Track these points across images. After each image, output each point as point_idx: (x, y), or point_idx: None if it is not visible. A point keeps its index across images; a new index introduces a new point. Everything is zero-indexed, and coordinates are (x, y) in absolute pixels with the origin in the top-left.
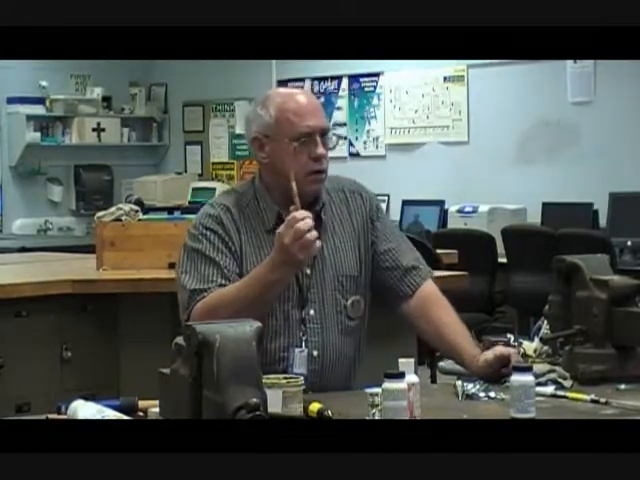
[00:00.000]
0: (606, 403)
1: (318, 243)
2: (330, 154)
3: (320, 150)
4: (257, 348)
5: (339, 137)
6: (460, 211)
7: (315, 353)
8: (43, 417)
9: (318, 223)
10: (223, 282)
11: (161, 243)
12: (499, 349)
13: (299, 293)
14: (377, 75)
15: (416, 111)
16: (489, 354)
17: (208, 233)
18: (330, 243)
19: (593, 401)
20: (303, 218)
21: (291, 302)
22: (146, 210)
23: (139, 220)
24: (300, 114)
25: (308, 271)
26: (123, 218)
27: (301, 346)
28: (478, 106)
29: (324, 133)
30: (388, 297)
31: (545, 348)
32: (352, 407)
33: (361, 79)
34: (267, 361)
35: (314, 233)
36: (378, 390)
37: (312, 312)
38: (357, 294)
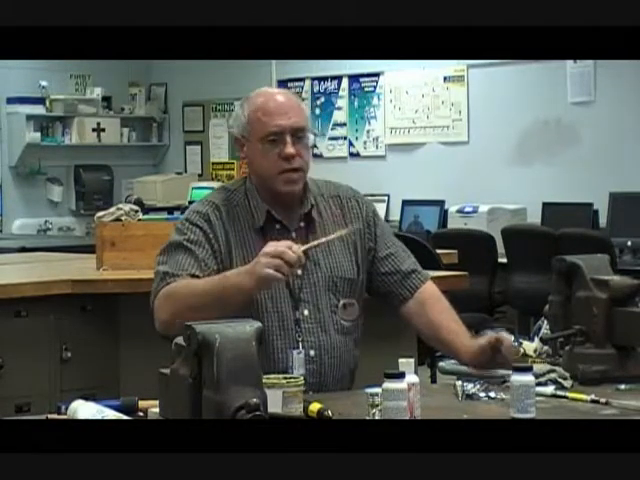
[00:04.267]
0: (606, 403)
1: (282, 277)
2: (330, 154)
3: (289, 149)
4: (257, 348)
5: (315, 134)
6: (460, 211)
7: (312, 353)
8: (43, 417)
9: (307, 224)
10: (197, 273)
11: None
12: (491, 334)
13: (289, 294)
14: (377, 75)
15: (416, 111)
16: (481, 340)
17: (193, 228)
18: (324, 245)
19: (593, 401)
20: (291, 248)
21: (284, 303)
22: (146, 210)
23: (139, 220)
24: (270, 113)
25: (299, 272)
26: (123, 218)
27: (298, 347)
28: (478, 106)
29: (295, 132)
30: (388, 301)
31: (545, 348)
32: (352, 407)
33: (361, 79)
34: (264, 364)
35: (289, 267)
36: (378, 390)
37: (306, 312)
38: (351, 297)
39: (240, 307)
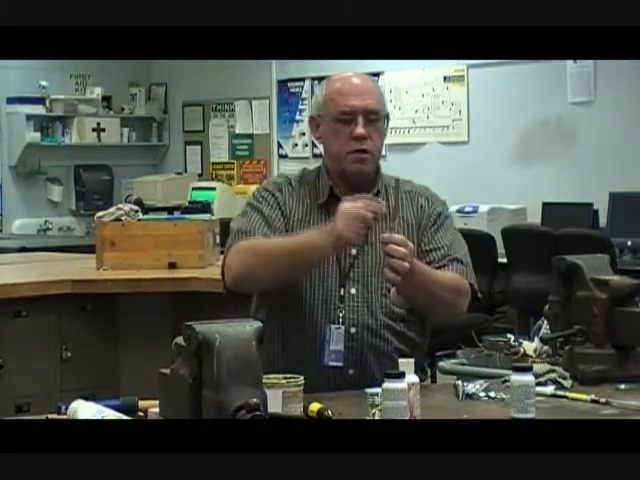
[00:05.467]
0: (606, 403)
1: (358, 237)
2: None
3: (359, 130)
4: (257, 348)
5: (388, 118)
6: (460, 211)
7: (352, 330)
8: (43, 417)
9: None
10: (268, 233)
11: (161, 243)
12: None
13: (338, 271)
14: (377, 75)
15: (416, 111)
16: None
17: (266, 194)
18: (385, 227)
19: (593, 401)
20: (368, 208)
21: (330, 278)
22: (146, 210)
23: (139, 220)
24: (344, 94)
25: (354, 251)
26: (123, 218)
27: (338, 323)
28: (478, 106)
29: (368, 114)
30: None
31: (545, 348)
32: (352, 407)
33: None
34: (304, 335)
35: (366, 227)
36: (378, 390)
37: (353, 291)
38: None
39: (312, 268)
